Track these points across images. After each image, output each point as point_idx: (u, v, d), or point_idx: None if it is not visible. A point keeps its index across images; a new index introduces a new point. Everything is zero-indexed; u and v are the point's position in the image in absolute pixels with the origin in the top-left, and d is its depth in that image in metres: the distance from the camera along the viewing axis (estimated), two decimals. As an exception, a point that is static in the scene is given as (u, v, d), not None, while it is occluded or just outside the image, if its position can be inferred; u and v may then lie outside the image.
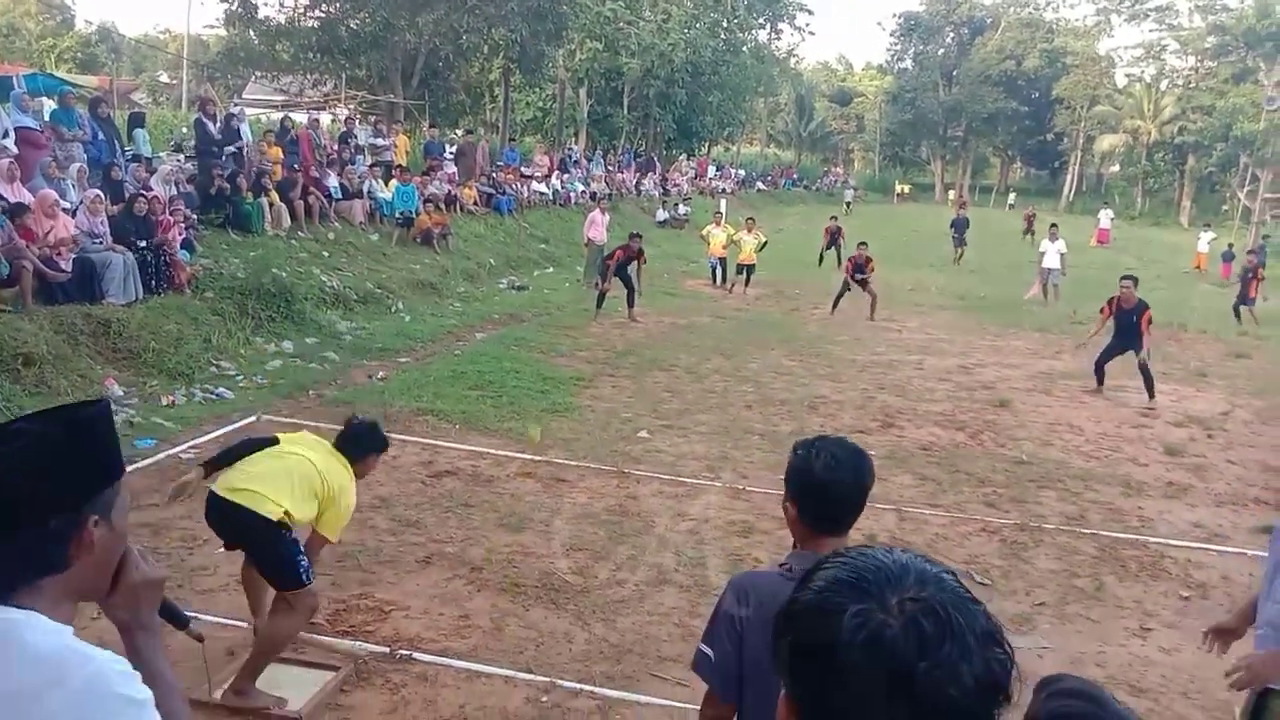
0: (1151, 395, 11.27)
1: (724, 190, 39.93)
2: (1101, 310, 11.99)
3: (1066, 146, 66.72)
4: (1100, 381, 11.76)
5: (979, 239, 25.54)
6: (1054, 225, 21.79)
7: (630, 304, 15.02)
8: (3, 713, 1.38)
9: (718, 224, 20.10)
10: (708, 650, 2.24)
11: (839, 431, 9.26)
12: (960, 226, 27.04)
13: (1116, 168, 65.92)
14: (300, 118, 19.76)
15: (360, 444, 4.61)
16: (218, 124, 14.38)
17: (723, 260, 19.46)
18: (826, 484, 2.25)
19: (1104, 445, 9.52)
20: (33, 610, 1.44)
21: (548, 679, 4.65)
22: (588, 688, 4.62)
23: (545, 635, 5.10)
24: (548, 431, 8.54)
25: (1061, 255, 20.40)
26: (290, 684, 4.43)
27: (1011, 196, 63.68)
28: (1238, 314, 18.64)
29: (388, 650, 4.77)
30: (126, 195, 10.97)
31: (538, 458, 7.85)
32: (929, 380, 12.03)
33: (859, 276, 16.48)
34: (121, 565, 1.60)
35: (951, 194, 64.22)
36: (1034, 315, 18.03)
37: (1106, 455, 9.19)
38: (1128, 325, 11.46)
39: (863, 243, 17.07)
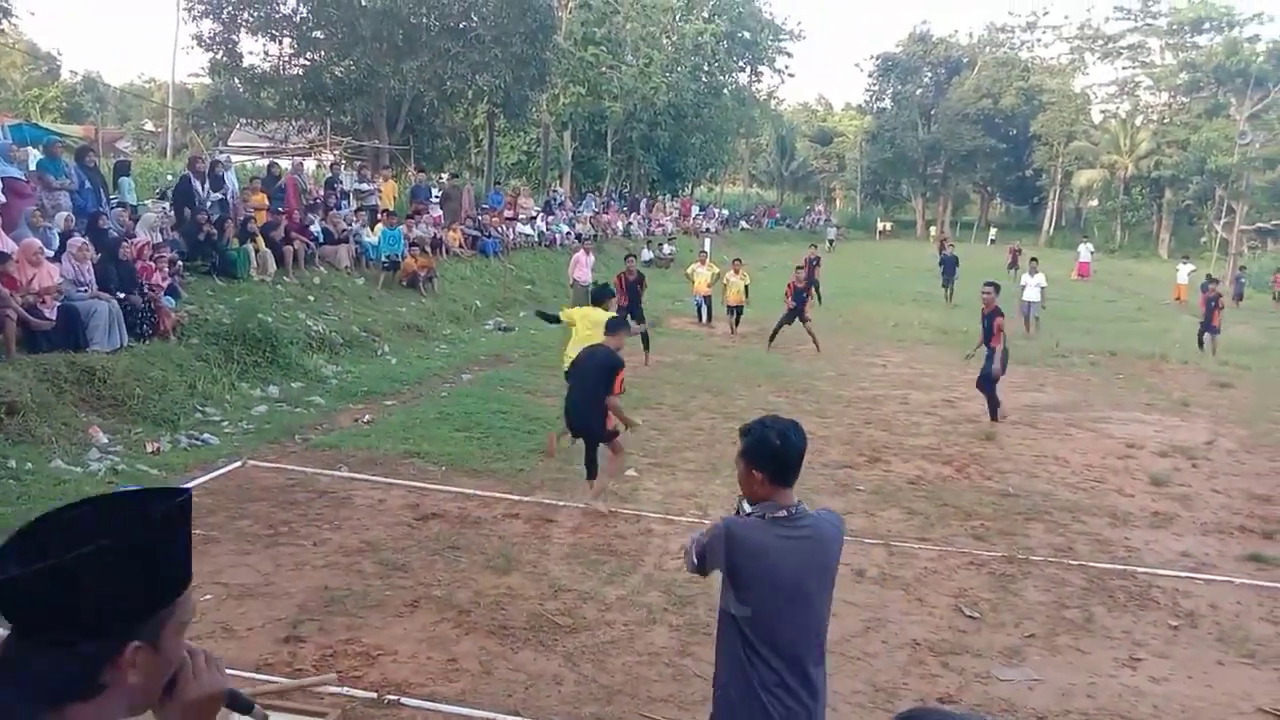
0: (994, 417, 11.72)
1: (708, 230, 40.22)
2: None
3: (1045, 182, 67.59)
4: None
5: (962, 273, 25.76)
6: (1034, 259, 22.07)
7: (645, 346, 14.54)
8: None
9: (703, 263, 20.24)
10: (697, 540, 3.09)
11: (826, 467, 9.30)
12: (949, 265, 26.42)
13: (1095, 202, 66.77)
14: (286, 164, 19.87)
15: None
16: (205, 182, 14.37)
17: (708, 298, 19.59)
18: (783, 450, 2.96)
19: (1089, 476, 9.56)
20: None
21: (537, 721, 4.61)
22: (578, 730, 4.59)
23: (534, 677, 5.06)
24: (533, 470, 8.52)
25: (1041, 289, 20.66)
26: (276, 731, 4.37)
27: (992, 232, 64.42)
28: (1201, 343, 18.85)
29: (375, 695, 4.73)
30: (110, 242, 10.98)
31: (525, 498, 7.83)
32: (914, 415, 12.08)
33: (801, 293, 16.75)
34: (178, 677, 1.38)
35: (933, 230, 64.84)
36: (1016, 349, 18.14)
37: (1092, 486, 9.23)
38: (987, 330, 11.96)
39: (812, 244, 17.24)
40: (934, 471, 9.49)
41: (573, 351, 8.55)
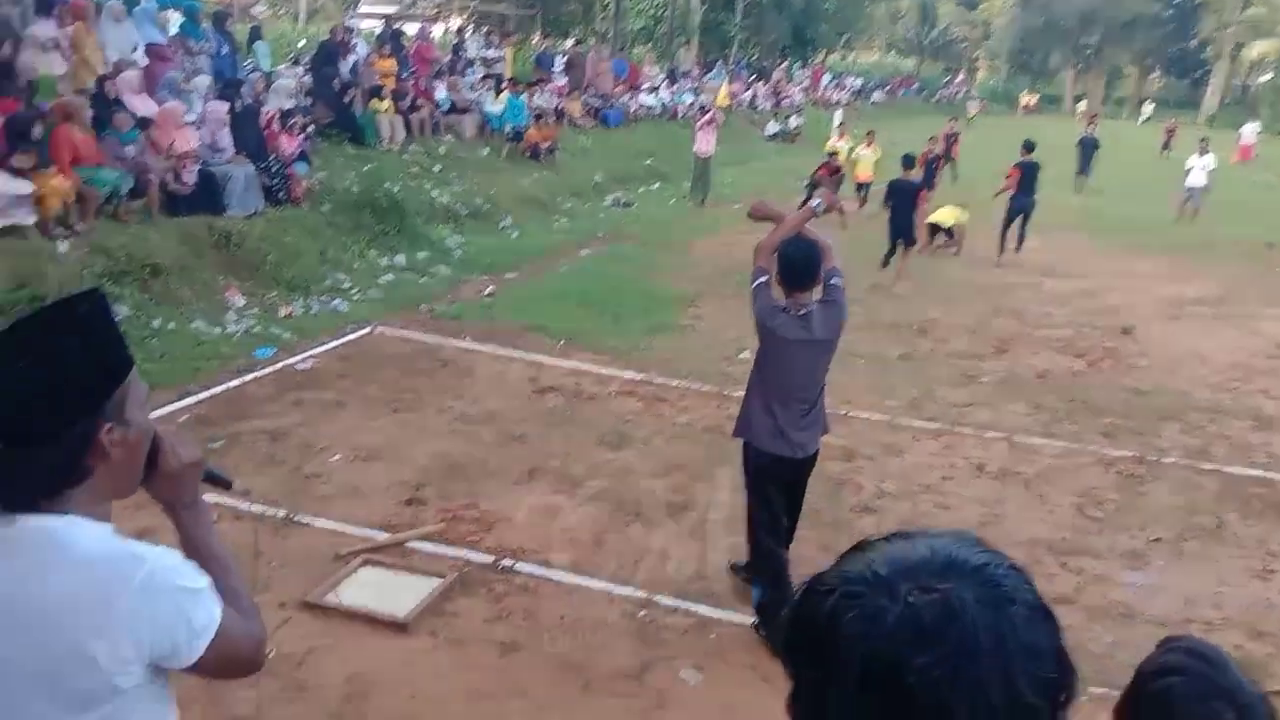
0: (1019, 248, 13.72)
1: (839, 101, 38.59)
2: (1008, 175, 14.13)
3: (1210, 55, 61.96)
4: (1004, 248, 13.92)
5: (1109, 154, 24.02)
6: (1204, 139, 20.18)
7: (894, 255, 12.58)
8: (62, 616, 1.39)
9: (869, 143, 18.25)
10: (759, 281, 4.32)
11: (951, 357, 9.02)
12: (1088, 148, 22.77)
13: (1268, 76, 61.03)
14: (413, 29, 19.81)
15: None
16: (343, 53, 14.42)
17: (867, 184, 17.87)
18: (798, 259, 4.23)
19: (1233, 376, 9.02)
20: (68, 515, 1.44)
21: (645, 595, 4.73)
22: (685, 605, 4.68)
23: (644, 552, 5.17)
24: (648, 348, 8.54)
25: (1210, 172, 19.05)
26: (396, 590, 4.61)
27: (1147, 109, 59.80)
28: None
29: (491, 560, 4.92)
30: (246, 108, 11.23)
31: (639, 376, 7.88)
32: (1048, 304, 11.55)
33: (931, 165, 16.12)
34: (157, 453, 1.58)
35: (1081, 106, 60.69)
36: (1165, 236, 17.05)
37: (1235, 387, 8.71)
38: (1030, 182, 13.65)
39: (951, 118, 16.31)
40: (1065, 365, 9.11)
41: None
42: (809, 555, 5.22)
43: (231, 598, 1.58)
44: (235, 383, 7.18)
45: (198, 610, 1.48)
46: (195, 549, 1.64)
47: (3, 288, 6.93)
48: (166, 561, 1.47)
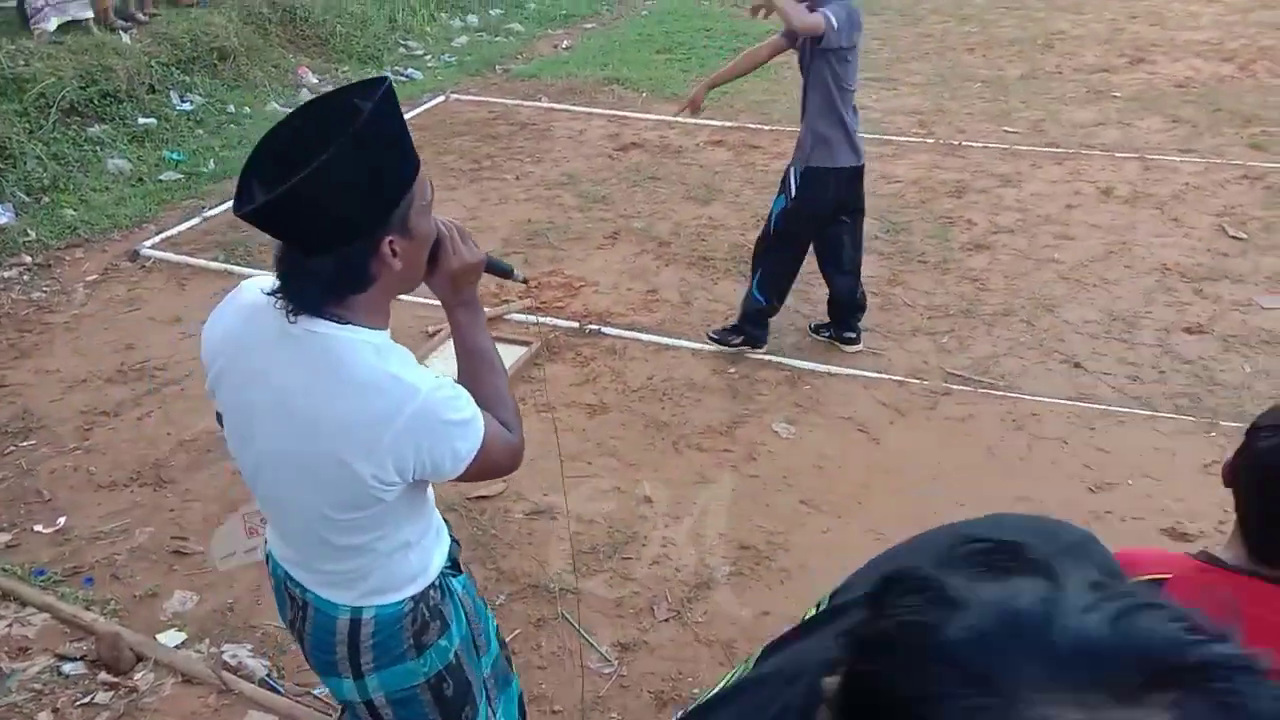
0: None
1: None
2: None
3: None
4: None
5: None
6: None
7: None
8: (335, 434, 1.43)
9: None
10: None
11: (1078, 72, 8.11)
12: None
13: None
14: None
15: None
16: None
17: None
18: None
19: None
20: (349, 324, 1.45)
21: (735, 350, 4.52)
22: (776, 358, 4.47)
23: (734, 308, 4.91)
24: (738, 94, 7.94)
25: None
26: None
27: None
28: None
29: (577, 325, 4.77)
30: None
31: (729, 123, 7.36)
32: (1193, 3, 10.21)
33: None
34: (438, 251, 1.56)
35: None
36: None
37: None
38: None
39: None
40: (1210, 71, 8.10)
41: None
42: (914, 299, 4.89)
43: (497, 402, 1.62)
44: (315, 164, 7.02)
45: (465, 440, 1.50)
46: (467, 347, 1.67)
47: (73, 86, 6.80)
48: (438, 394, 1.45)
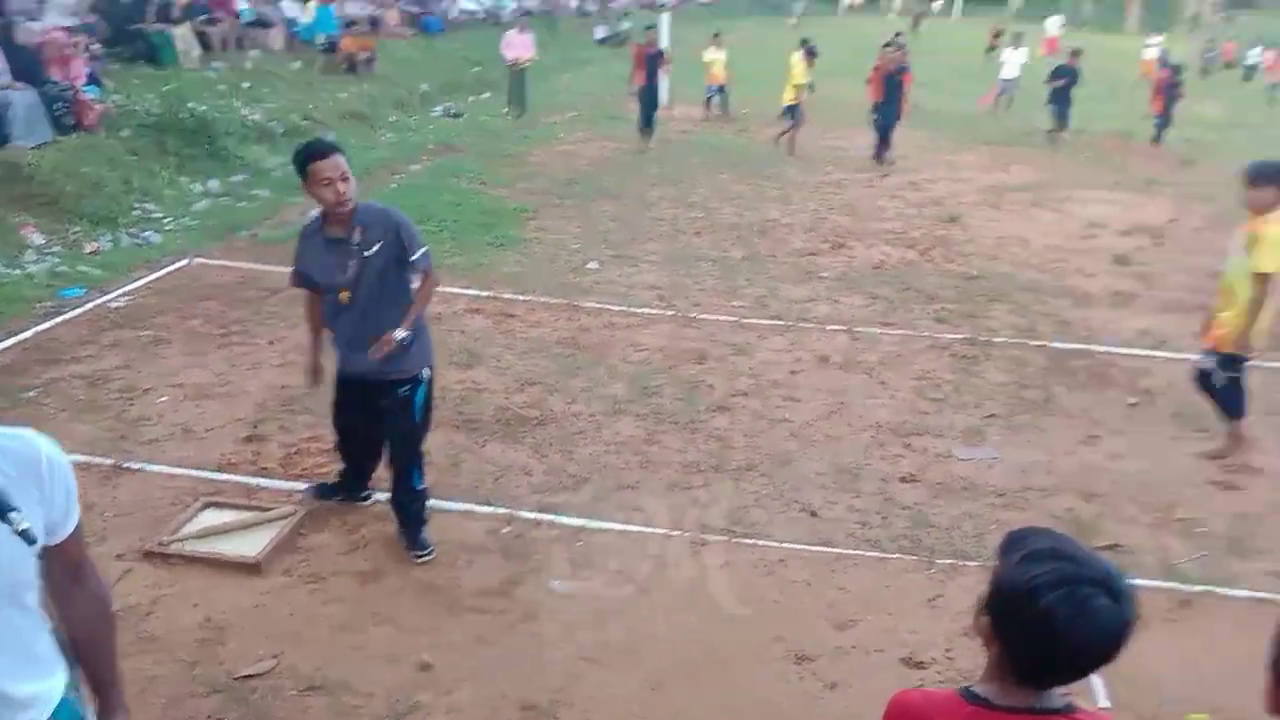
0: (880, 160, 13.63)
1: (663, 4, 38.07)
2: (869, 81, 14.02)
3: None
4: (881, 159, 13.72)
5: (928, 46, 24.79)
6: (1019, 34, 21.24)
7: (646, 124, 14.73)
8: None
9: (718, 46, 17.45)
10: None
11: (790, 255, 9.17)
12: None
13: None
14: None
15: None
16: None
17: (722, 87, 17.61)
18: None
19: (1052, 257, 9.55)
20: None
21: (507, 510, 4.65)
22: (548, 517, 4.63)
23: (503, 469, 5.07)
24: (492, 265, 8.31)
25: (1022, 65, 19.93)
26: (244, 530, 4.37)
27: (956, 8, 61.61)
28: (1158, 136, 17.01)
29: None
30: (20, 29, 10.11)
31: (485, 293, 7.66)
32: (879, 198, 11.89)
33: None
34: None
35: (896, 2, 62.07)
36: (983, 129, 17.79)
37: (1055, 267, 9.23)
38: (893, 88, 13.41)
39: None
40: (898, 256, 9.42)
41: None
42: (668, 458, 5.25)
43: None
44: (43, 326, 6.57)
45: None
46: None
47: None
48: None
